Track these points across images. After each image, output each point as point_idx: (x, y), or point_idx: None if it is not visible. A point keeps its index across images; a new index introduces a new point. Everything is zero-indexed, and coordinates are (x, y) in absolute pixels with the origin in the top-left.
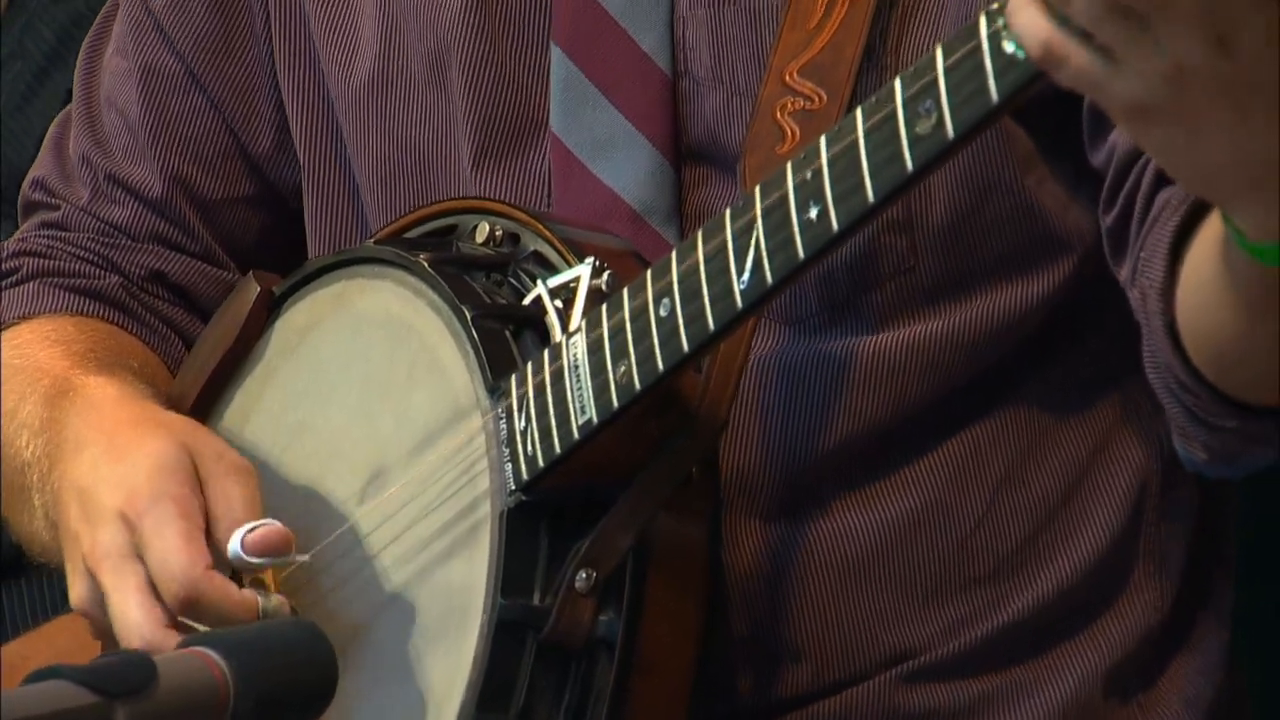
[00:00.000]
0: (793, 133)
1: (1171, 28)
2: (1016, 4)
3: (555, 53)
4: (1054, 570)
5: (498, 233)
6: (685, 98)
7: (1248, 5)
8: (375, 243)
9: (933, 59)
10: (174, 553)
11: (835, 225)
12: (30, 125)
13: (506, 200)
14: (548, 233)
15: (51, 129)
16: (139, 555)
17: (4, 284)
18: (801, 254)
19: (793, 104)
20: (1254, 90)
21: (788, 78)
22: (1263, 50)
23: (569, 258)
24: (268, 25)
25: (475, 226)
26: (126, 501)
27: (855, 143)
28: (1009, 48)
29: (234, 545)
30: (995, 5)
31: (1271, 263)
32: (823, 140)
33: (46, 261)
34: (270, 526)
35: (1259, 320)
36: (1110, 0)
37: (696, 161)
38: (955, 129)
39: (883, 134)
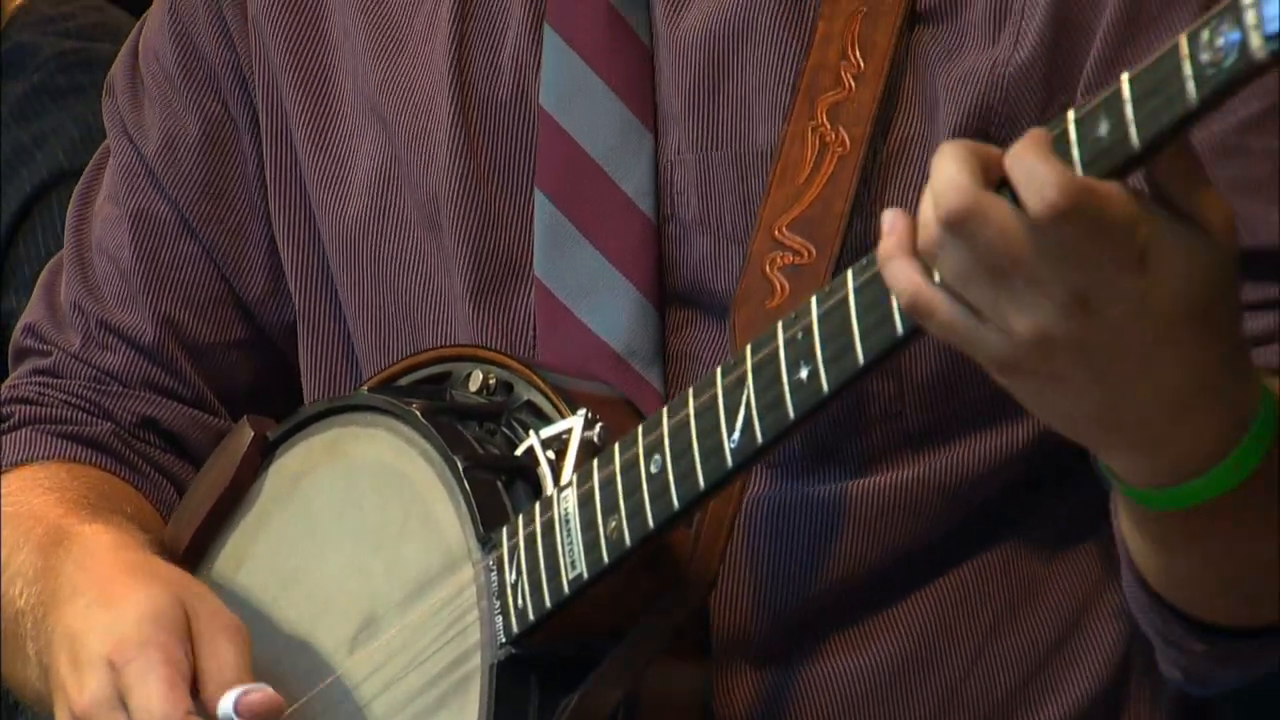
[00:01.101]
0: (782, 287)
1: (1035, 292)
2: (887, 253)
3: (539, 197)
4: (1045, 718)
5: (491, 381)
6: (672, 242)
7: (1108, 273)
8: (369, 389)
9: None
10: (156, 699)
11: (826, 386)
12: None
13: (498, 348)
14: (540, 382)
15: (43, 275)
16: (124, 703)
17: None
18: (792, 414)
19: (782, 258)
20: (1113, 353)
21: (777, 232)
22: (1121, 317)
23: (562, 408)
24: (260, 170)
25: (469, 374)
26: (114, 649)
27: (845, 302)
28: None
29: (225, 707)
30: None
31: (1152, 506)
32: (814, 300)
33: (38, 409)
34: (266, 693)
35: (1171, 555)
36: (977, 262)
37: (681, 305)
38: (902, 325)
39: (872, 293)
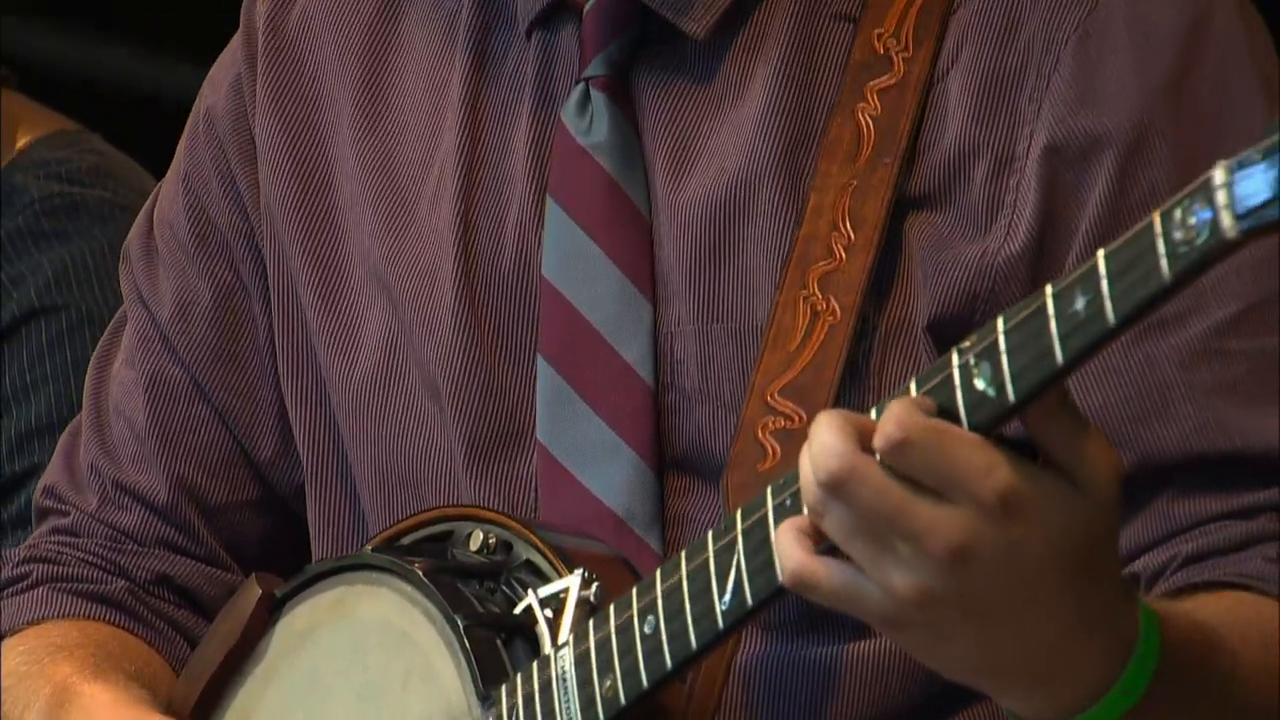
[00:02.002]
0: (774, 451)
1: (912, 548)
2: (783, 527)
3: (541, 363)
4: None
5: (491, 540)
6: (671, 410)
7: (977, 523)
8: (373, 548)
9: (906, 388)
10: None
11: None
12: None
13: (498, 507)
14: (539, 541)
15: (63, 438)
16: None
17: (14, 589)
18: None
19: (774, 423)
20: (992, 604)
21: (769, 398)
22: (995, 568)
23: (559, 567)
24: (270, 336)
25: (470, 533)
26: None
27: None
28: (979, 384)
29: None
30: (967, 343)
31: None
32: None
33: (55, 567)
34: None
35: None
36: (858, 521)
37: (680, 471)
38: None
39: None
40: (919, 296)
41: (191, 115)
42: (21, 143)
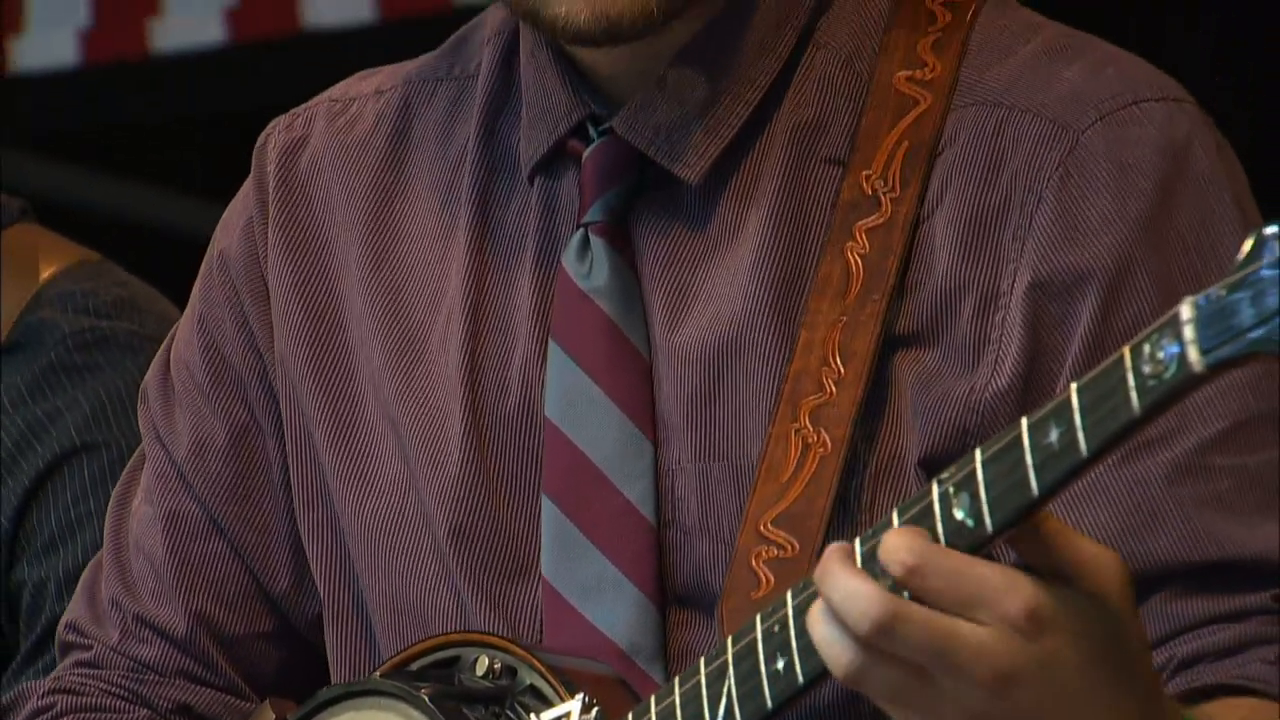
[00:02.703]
0: (767, 579)
1: (957, 680)
2: (814, 618)
3: (545, 502)
4: None
5: (496, 666)
6: (673, 546)
7: (1014, 644)
8: (382, 674)
9: (889, 520)
10: None
11: (801, 678)
12: None
13: (504, 635)
14: (541, 666)
15: (85, 573)
16: None
17: None
18: (769, 704)
19: (767, 552)
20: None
21: (762, 528)
22: (1039, 687)
23: (561, 691)
24: (284, 472)
25: (476, 659)
26: None
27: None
28: (959, 514)
29: None
30: (946, 473)
31: None
32: (789, 594)
33: (79, 698)
34: None
35: None
36: (905, 667)
37: (682, 605)
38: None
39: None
40: (909, 432)
41: (206, 257)
42: (45, 274)
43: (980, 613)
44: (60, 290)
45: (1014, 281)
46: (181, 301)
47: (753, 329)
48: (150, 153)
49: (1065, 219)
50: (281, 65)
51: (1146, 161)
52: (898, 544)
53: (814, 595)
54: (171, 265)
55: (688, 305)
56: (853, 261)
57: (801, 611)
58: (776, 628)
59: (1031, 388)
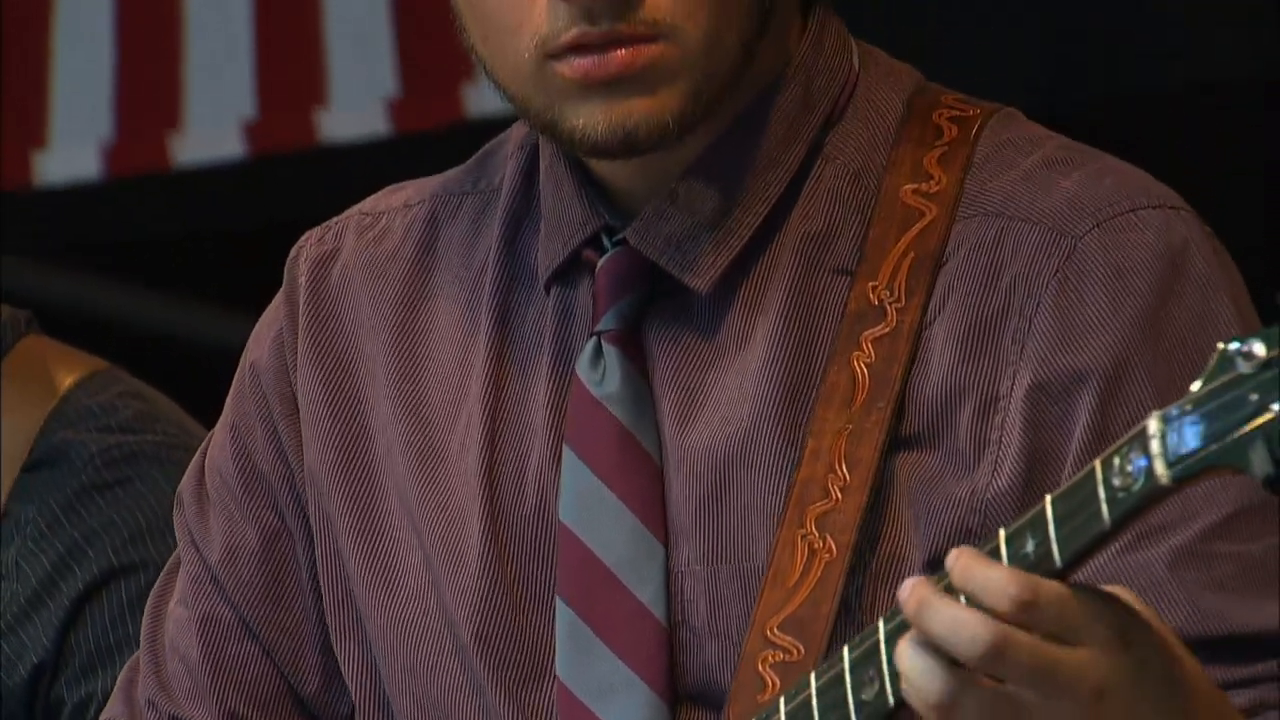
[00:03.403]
0: (773, 682)
1: (1059, 698)
2: (904, 650)
3: (559, 604)
4: None
5: None
6: (683, 646)
7: (1117, 661)
8: None
9: (875, 628)
10: None
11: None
12: (23, 648)
13: None
14: None
15: (122, 673)
16: None
17: None
18: None
19: (773, 656)
20: None
21: (769, 632)
22: (1132, 694)
23: None
24: (313, 576)
25: None
26: None
27: (809, 701)
28: None
29: None
30: (937, 576)
31: None
32: (781, 699)
33: None
34: None
35: None
36: (1001, 692)
37: (693, 704)
38: (894, 696)
39: (832, 695)
40: (912, 533)
41: (239, 367)
42: (61, 389)
43: (1078, 636)
44: (80, 407)
45: (1013, 384)
46: (202, 409)
47: (760, 435)
48: (170, 263)
49: (1063, 321)
50: (299, 178)
51: (1143, 264)
52: (1006, 582)
53: (805, 703)
54: (193, 373)
55: (697, 409)
56: (859, 371)
57: (794, 716)
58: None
59: (1032, 487)
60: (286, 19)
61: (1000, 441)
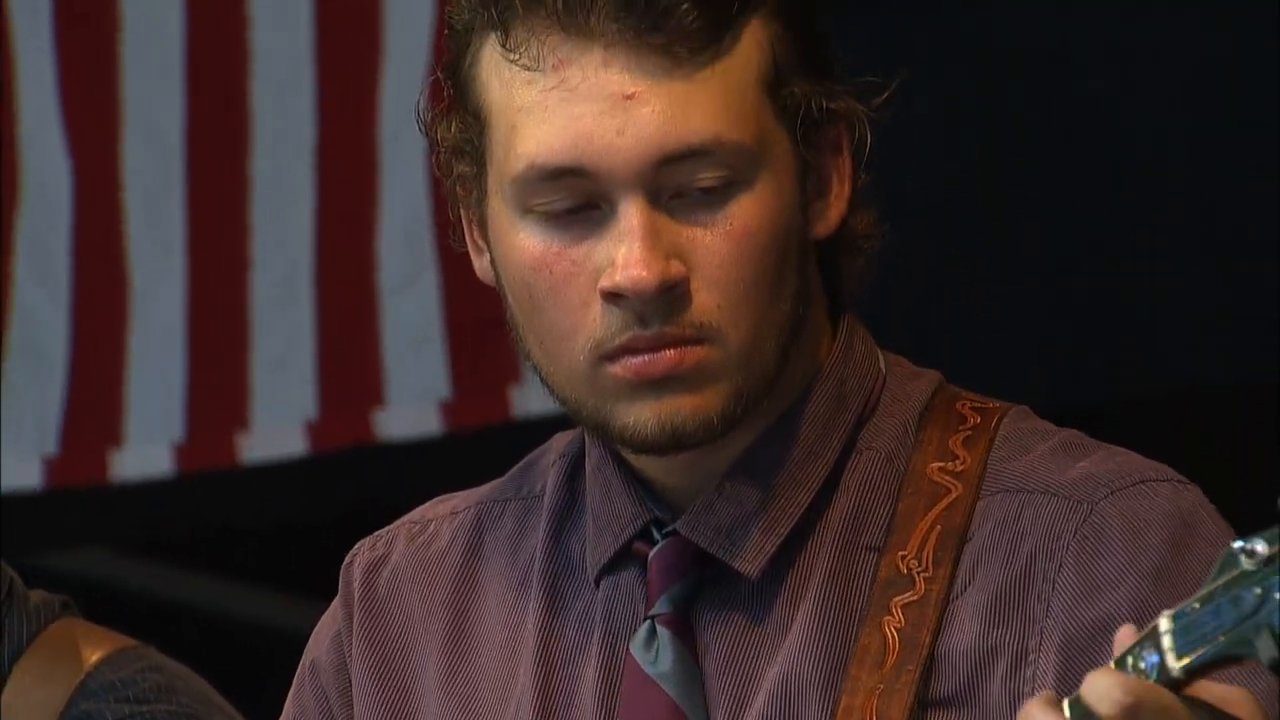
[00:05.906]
0: None
1: None
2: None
3: None
4: None
5: None
6: None
7: None
8: None
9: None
10: None
11: None
12: None
13: None
14: None
15: None
16: None
17: None
18: None
19: None
20: None
21: None
22: None
23: None
24: None
25: None
26: None
27: None
28: None
29: None
30: None
31: None
32: None
33: None
34: None
35: None
36: None
37: None
38: None
39: None
40: None
41: (300, 664)
42: (88, 665)
43: None
44: (103, 681)
45: (1041, 640)
46: (267, 686)
47: (801, 697)
48: (237, 556)
49: (1084, 578)
50: (359, 474)
51: (1157, 524)
52: (1108, 687)
53: None
54: (255, 657)
55: (750, 695)
56: (889, 635)
57: None
58: None
59: None
60: (346, 323)
61: (1032, 695)
